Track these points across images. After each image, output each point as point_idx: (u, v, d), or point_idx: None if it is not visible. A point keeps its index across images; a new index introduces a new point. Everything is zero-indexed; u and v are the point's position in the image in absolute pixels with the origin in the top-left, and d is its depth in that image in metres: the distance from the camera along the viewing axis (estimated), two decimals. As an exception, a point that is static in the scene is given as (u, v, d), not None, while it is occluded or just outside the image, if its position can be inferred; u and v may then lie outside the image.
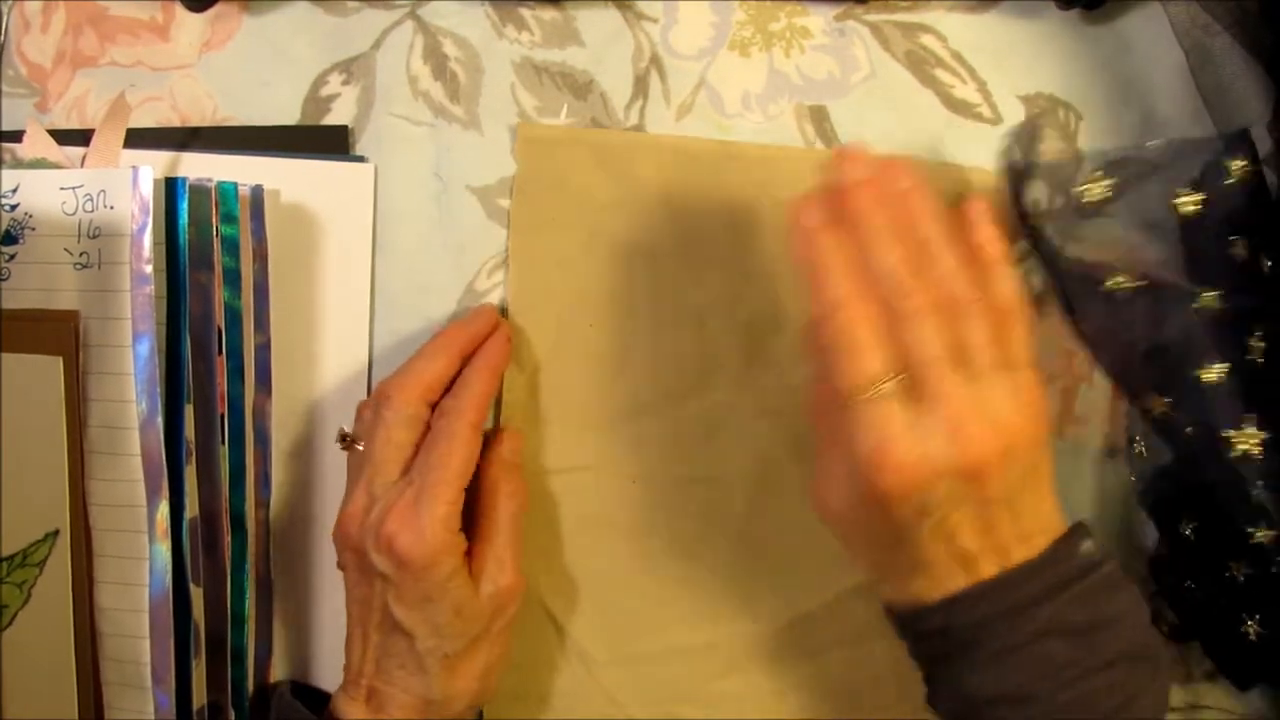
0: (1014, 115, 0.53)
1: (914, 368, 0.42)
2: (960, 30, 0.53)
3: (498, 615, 0.51)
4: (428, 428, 0.50)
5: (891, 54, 0.53)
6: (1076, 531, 0.45)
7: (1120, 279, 0.46)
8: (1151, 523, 0.52)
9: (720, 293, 0.54)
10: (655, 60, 0.54)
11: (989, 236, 0.45)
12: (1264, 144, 0.46)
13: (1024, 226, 0.48)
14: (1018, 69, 0.53)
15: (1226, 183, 0.46)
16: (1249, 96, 0.47)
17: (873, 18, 0.53)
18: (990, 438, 0.42)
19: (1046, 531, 0.44)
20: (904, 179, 0.45)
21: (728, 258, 0.53)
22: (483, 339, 0.52)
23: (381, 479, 0.49)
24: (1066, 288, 0.47)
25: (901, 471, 0.42)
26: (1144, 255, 0.46)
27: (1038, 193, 0.46)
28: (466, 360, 0.52)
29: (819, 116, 0.53)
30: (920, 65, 0.53)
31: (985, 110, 0.53)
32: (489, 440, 0.53)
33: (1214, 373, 0.45)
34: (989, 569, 0.43)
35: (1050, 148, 0.48)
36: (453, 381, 0.52)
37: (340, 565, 0.51)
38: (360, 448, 0.51)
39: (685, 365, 0.54)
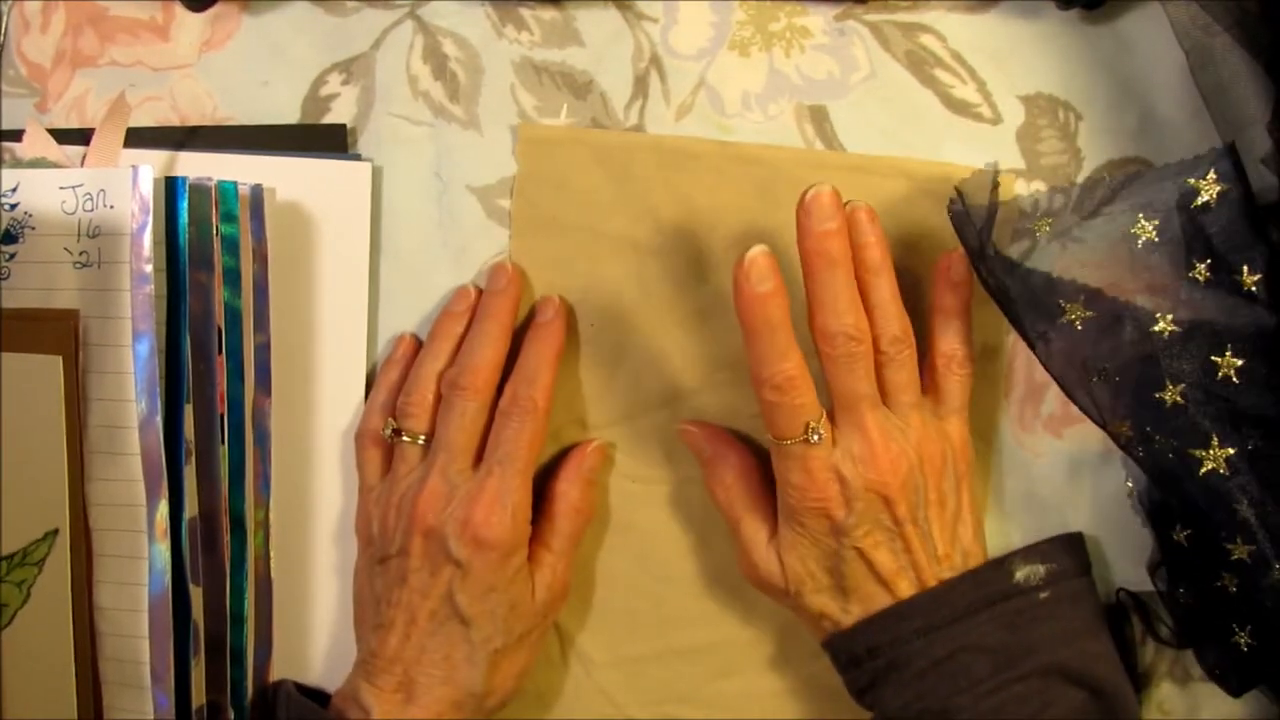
0: (1014, 115, 0.53)
1: (842, 403, 0.48)
2: (960, 30, 0.53)
3: (544, 618, 0.53)
4: (493, 410, 0.52)
5: (891, 54, 0.53)
6: (1011, 557, 0.49)
7: (1074, 311, 0.48)
8: (1149, 527, 0.52)
9: (720, 293, 0.54)
10: (655, 60, 0.54)
11: (951, 288, 0.50)
12: (1264, 144, 0.46)
13: (975, 269, 0.49)
14: (1018, 69, 0.52)
15: (1194, 206, 0.47)
16: (1249, 96, 0.47)
17: (872, 18, 0.53)
18: (898, 464, 0.47)
19: (967, 556, 0.49)
20: (870, 232, 0.49)
21: (728, 257, 0.53)
22: (518, 302, 0.53)
23: (457, 466, 0.51)
24: (1023, 323, 0.48)
25: (821, 495, 0.47)
26: (1123, 271, 0.48)
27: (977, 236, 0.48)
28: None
29: (819, 116, 0.53)
30: (920, 65, 0.53)
31: (985, 110, 0.53)
32: (570, 447, 0.54)
33: (1173, 393, 0.47)
34: (907, 590, 0.48)
35: (998, 192, 0.50)
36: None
37: (383, 555, 0.51)
38: (421, 440, 0.52)
39: (685, 365, 0.54)
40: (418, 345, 0.54)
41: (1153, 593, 0.52)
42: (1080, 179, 0.52)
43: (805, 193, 0.47)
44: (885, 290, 0.49)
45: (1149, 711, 0.53)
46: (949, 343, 0.50)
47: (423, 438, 0.52)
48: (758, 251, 0.46)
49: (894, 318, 0.49)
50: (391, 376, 0.54)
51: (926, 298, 0.52)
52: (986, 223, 0.48)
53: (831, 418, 0.48)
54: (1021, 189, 0.52)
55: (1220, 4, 0.47)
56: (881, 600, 0.48)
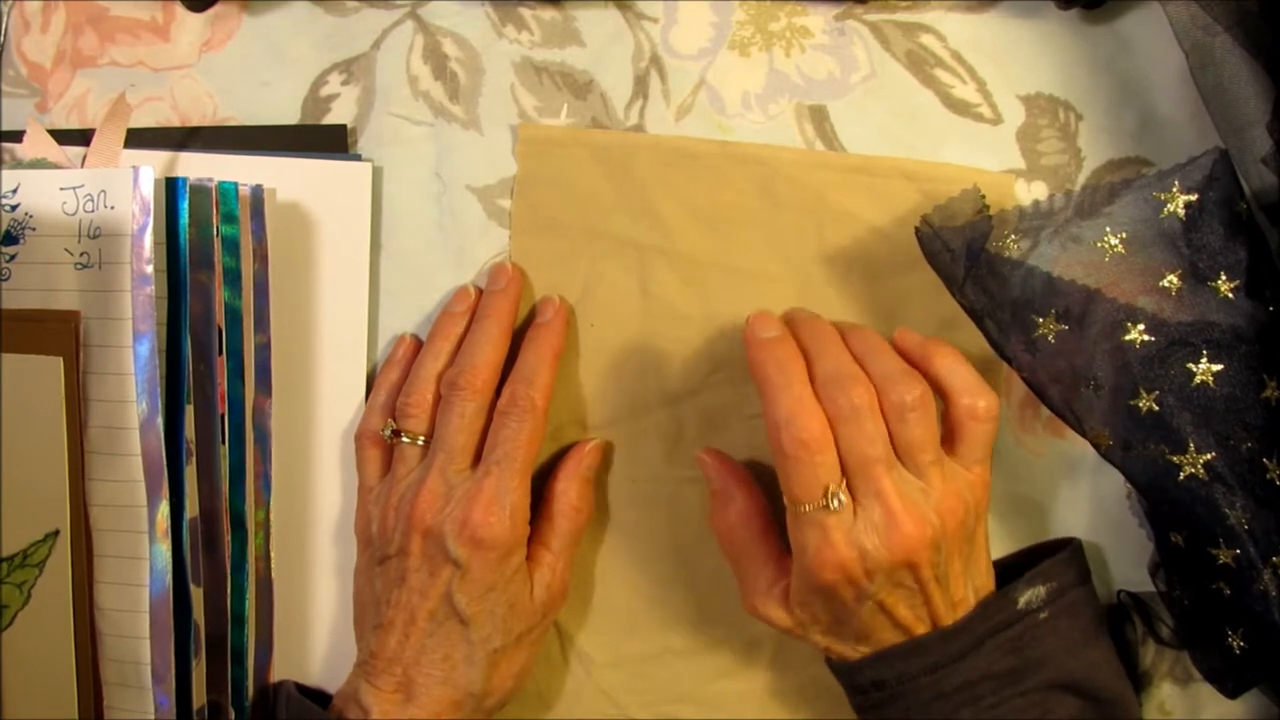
0: (1014, 115, 0.53)
1: (855, 468, 0.46)
2: (960, 30, 0.53)
3: (544, 617, 0.52)
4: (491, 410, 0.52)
5: (891, 54, 0.53)
6: (1015, 585, 0.49)
7: (1048, 325, 0.48)
8: (1148, 528, 0.52)
9: (720, 293, 0.54)
10: (655, 60, 0.54)
11: (942, 344, 0.49)
12: (1264, 144, 0.46)
13: (951, 293, 0.49)
14: (1018, 69, 0.52)
15: (1161, 216, 0.47)
16: (1249, 96, 0.47)
17: (873, 17, 0.53)
18: (921, 532, 0.45)
19: (979, 592, 0.49)
20: (858, 329, 0.50)
21: (727, 258, 0.53)
22: (518, 301, 0.53)
23: (455, 466, 0.51)
24: (995, 339, 0.48)
25: (842, 569, 0.46)
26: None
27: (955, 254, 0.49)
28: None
29: (819, 116, 0.53)
30: (920, 65, 0.53)
31: (985, 110, 0.53)
32: (568, 447, 0.54)
33: (1148, 401, 0.47)
34: (920, 632, 0.48)
35: (968, 212, 0.50)
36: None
37: (382, 555, 0.51)
38: (420, 440, 0.52)
39: (685, 365, 0.54)
40: (418, 346, 0.54)
41: (1153, 593, 0.52)
42: (1081, 179, 0.52)
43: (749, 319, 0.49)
44: (884, 354, 0.48)
45: (1150, 711, 0.53)
46: (965, 395, 0.48)
47: (422, 438, 0.52)
48: (760, 309, 0.50)
49: (900, 380, 0.46)
50: (392, 377, 0.54)
51: (928, 301, 0.52)
52: (968, 246, 0.49)
53: (847, 483, 0.46)
54: (1022, 189, 0.52)
55: (1220, 4, 0.47)
56: (891, 641, 0.48)
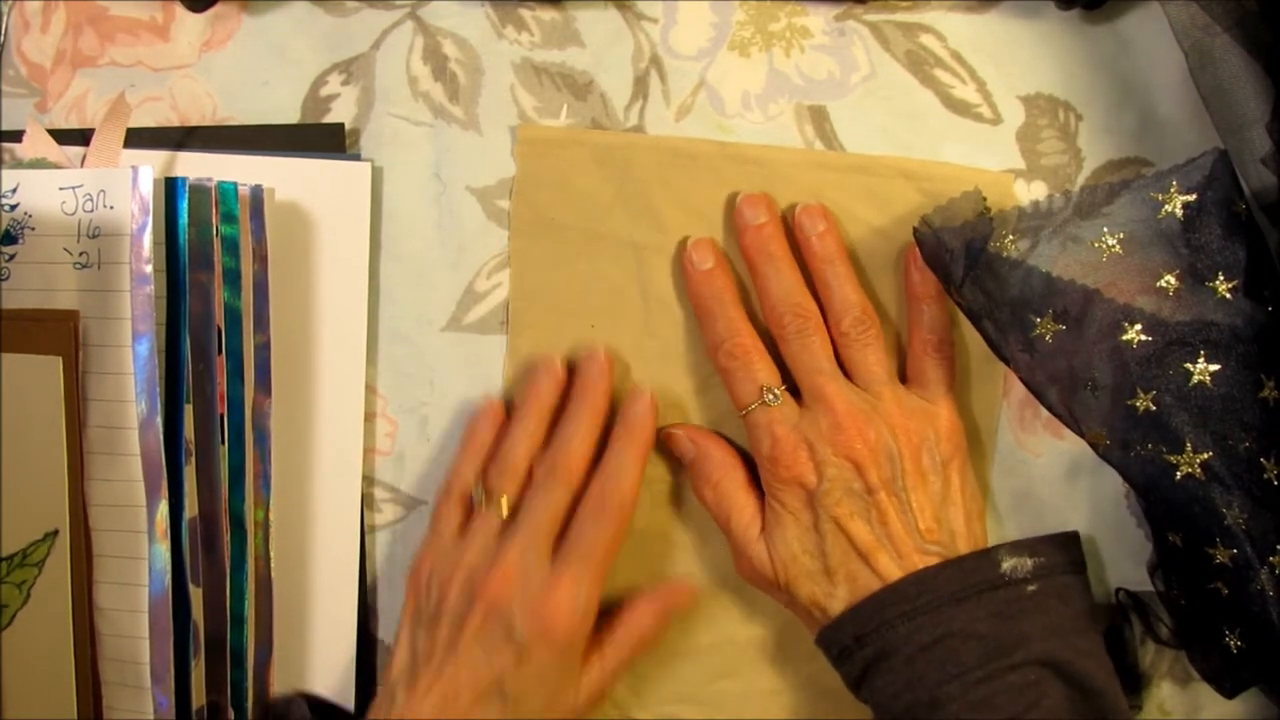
0: (1014, 115, 0.53)
1: (802, 377, 0.50)
2: (960, 30, 0.53)
3: (572, 717, 0.52)
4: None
5: (891, 54, 0.53)
6: (998, 548, 0.49)
7: (1045, 325, 0.48)
8: (1146, 528, 0.52)
9: (720, 293, 0.54)
10: (655, 61, 0.54)
11: (920, 273, 0.51)
12: (1264, 144, 0.46)
13: (949, 294, 0.49)
14: (1018, 69, 0.53)
15: (1159, 217, 0.47)
16: (1249, 97, 0.47)
17: (872, 18, 0.53)
18: (865, 430, 0.49)
19: (956, 537, 0.49)
20: (819, 222, 0.51)
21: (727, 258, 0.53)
22: (612, 388, 0.53)
23: (537, 550, 0.50)
24: (993, 340, 0.48)
25: (792, 463, 0.49)
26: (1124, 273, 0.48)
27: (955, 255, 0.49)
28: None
29: (819, 117, 0.53)
30: (920, 65, 0.53)
31: (985, 110, 0.53)
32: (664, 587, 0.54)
33: (1145, 400, 0.47)
34: (887, 564, 0.48)
35: (968, 213, 0.49)
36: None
37: (434, 613, 0.51)
38: (503, 509, 0.51)
39: (686, 365, 0.54)
40: (504, 409, 0.54)
41: (1152, 592, 0.52)
42: (1081, 179, 0.52)
43: (737, 196, 0.51)
44: (840, 275, 0.51)
45: (1149, 711, 0.53)
46: (923, 327, 0.51)
47: (506, 508, 0.52)
48: (699, 236, 0.52)
49: (852, 300, 0.51)
50: (483, 438, 0.53)
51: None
52: (967, 247, 0.48)
53: (798, 400, 0.50)
54: (1021, 189, 0.53)
55: (1220, 4, 0.47)
56: (865, 580, 0.48)
